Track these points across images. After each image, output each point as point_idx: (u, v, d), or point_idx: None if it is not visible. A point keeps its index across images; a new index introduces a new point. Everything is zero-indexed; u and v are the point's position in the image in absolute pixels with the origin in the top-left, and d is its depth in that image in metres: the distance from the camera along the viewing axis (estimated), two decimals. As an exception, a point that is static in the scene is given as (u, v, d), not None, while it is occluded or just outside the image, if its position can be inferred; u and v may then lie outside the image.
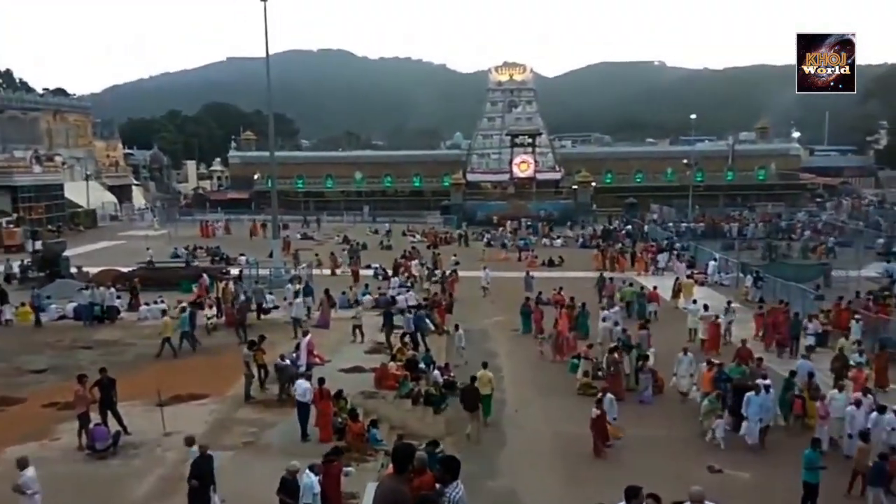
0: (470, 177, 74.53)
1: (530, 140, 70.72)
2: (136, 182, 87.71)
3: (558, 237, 53.09)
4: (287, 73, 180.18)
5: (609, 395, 15.68)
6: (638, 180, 79.62)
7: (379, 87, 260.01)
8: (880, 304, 25.45)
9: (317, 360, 19.57)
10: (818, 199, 79.07)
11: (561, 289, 29.70)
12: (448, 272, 35.98)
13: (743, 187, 78.39)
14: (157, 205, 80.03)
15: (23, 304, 27.27)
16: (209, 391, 17.70)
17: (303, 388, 15.30)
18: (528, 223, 59.62)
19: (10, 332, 25.41)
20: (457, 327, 22.87)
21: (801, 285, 28.60)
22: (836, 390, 15.59)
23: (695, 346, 23.03)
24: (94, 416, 14.76)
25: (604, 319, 23.62)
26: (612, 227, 56.25)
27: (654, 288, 29.17)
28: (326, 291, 27.07)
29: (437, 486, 6.83)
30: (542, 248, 48.41)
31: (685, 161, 67.46)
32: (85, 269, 34.30)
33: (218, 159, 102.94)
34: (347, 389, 16.83)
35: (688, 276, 33.61)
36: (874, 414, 14.22)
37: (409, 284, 33.09)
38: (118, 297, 27.72)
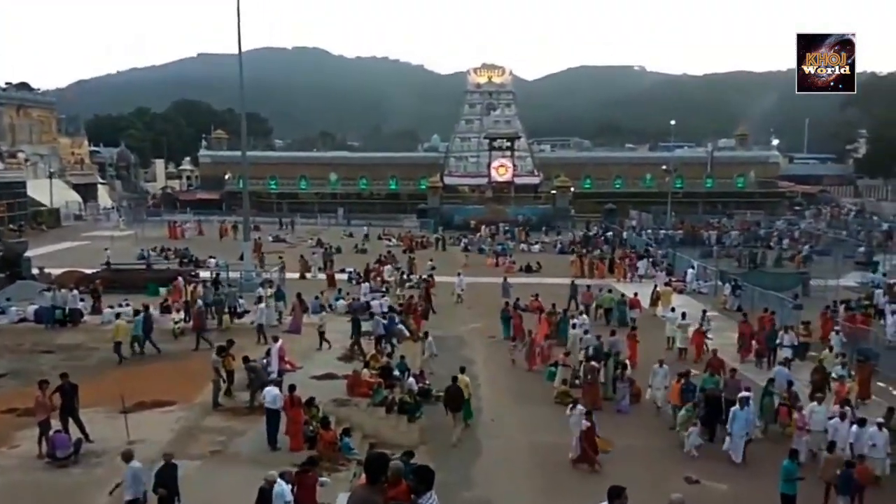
0: (447, 180, 74.63)
1: (509, 143, 70.99)
2: (101, 181, 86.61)
3: (536, 243, 53.33)
4: (260, 71, 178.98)
5: (579, 407, 15.49)
6: (617, 186, 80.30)
7: (355, 87, 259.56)
8: (862, 314, 25.86)
9: (288, 366, 19.46)
10: (797, 208, 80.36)
11: (538, 295, 29.87)
12: (426, 276, 36.04)
13: (722, 194, 79.36)
14: (123, 204, 79.12)
15: (-19, 306, 26.73)
16: (175, 398, 17.49)
17: (272, 394, 15.18)
18: (506, 228, 59.82)
19: (-34, 335, 24.88)
20: (426, 335, 22.94)
21: (779, 294, 29.00)
22: (815, 403, 15.69)
23: (673, 354, 23.32)
24: (55, 423, 14.53)
25: (573, 326, 23.73)
26: (591, 234, 56.64)
27: (635, 294, 29.43)
28: (299, 296, 26.90)
29: (412, 496, 6.80)
30: (519, 253, 48.58)
31: (664, 167, 68.16)
32: (47, 271, 33.75)
33: (188, 158, 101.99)
34: (319, 397, 16.72)
35: (665, 284, 33.94)
36: (854, 427, 14.37)
37: (383, 290, 33.08)
38: (81, 300, 27.30)
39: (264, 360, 18.65)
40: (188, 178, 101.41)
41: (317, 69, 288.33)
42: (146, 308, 23.63)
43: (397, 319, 25.64)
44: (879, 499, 13.32)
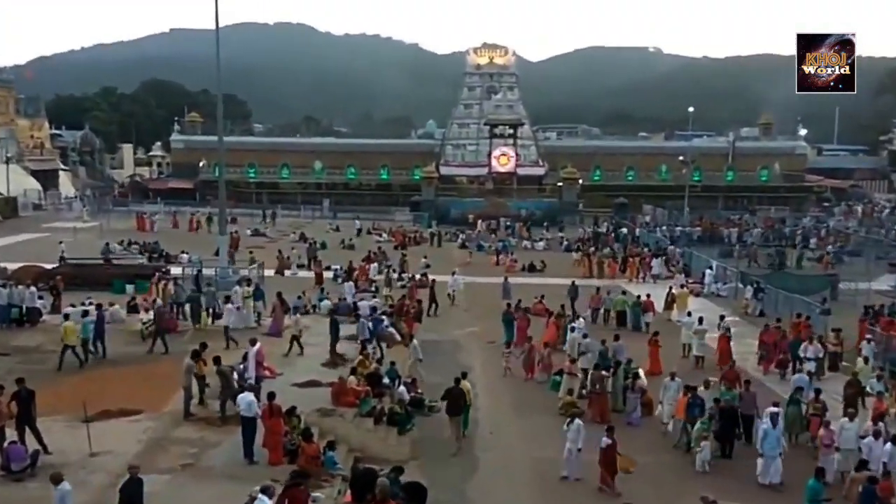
0: (443, 170, 74.60)
1: (511, 130, 70.99)
2: (63, 167, 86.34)
3: (540, 239, 53.38)
4: (239, 49, 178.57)
5: (577, 421, 15.40)
6: (629, 178, 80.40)
7: (343, 68, 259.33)
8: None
9: (267, 372, 19.43)
10: (825, 204, 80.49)
11: (543, 297, 29.88)
12: (419, 276, 36.07)
13: (744, 189, 79.55)
14: (87, 193, 78.85)
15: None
16: (143, 406, 17.44)
17: (247, 400, 15.13)
18: (508, 223, 59.84)
19: (-87, 335, 24.77)
20: (411, 337, 22.97)
21: (805, 298, 29.04)
22: (846, 419, 15.62)
23: (688, 363, 23.36)
24: (10, 433, 14.47)
25: (572, 330, 23.77)
26: (601, 230, 56.72)
27: (648, 296, 29.50)
28: (279, 295, 26.88)
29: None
30: (522, 251, 48.62)
31: (681, 158, 68.26)
32: (3, 265, 33.63)
33: (158, 143, 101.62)
34: (301, 406, 16.71)
35: (681, 286, 34.01)
36: (889, 445, 14.32)
37: (373, 289, 33.11)
38: (40, 298, 27.20)
39: (241, 366, 18.62)
40: (159, 165, 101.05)
41: (301, 47, 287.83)
42: (99, 307, 23.52)
43: (386, 322, 25.66)
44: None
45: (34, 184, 74.04)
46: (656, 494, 14.18)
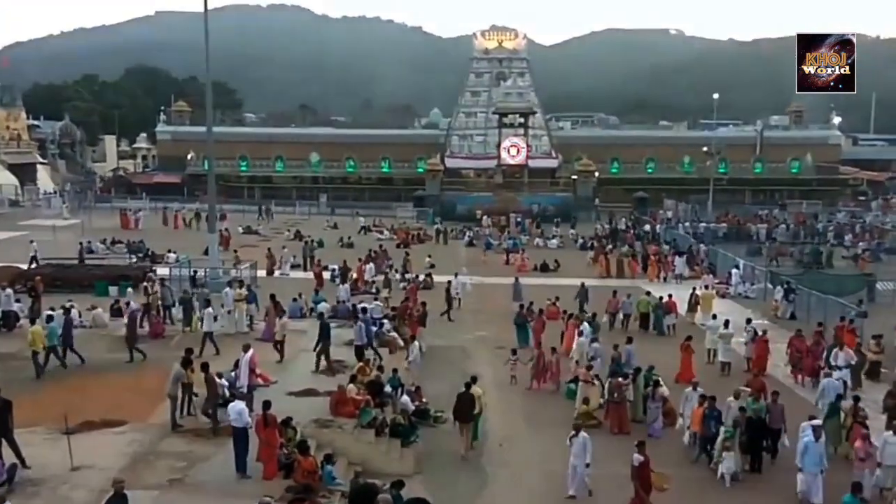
0: (449, 162, 74.69)
1: (522, 120, 71.00)
2: (42, 160, 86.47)
3: (554, 237, 53.36)
4: (229, 33, 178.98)
5: (583, 434, 15.32)
6: (649, 171, 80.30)
7: (341, 53, 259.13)
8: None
9: (260, 380, 19.43)
10: (861, 198, 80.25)
11: (557, 299, 29.85)
12: (423, 276, 36.12)
13: (773, 182, 79.39)
14: (67, 188, 79.08)
15: None
16: (128, 417, 17.46)
17: (237, 409, 15.12)
18: (518, 219, 59.80)
19: None
20: (412, 338, 23.22)
21: (840, 300, 28.97)
22: (890, 432, 15.45)
23: (713, 370, 23.32)
24: (-15, 446, 14.49)
25: (580, 334, 23.76)
26: (620, 227, 56.69)
27: (670, 297, 29.49)
28: (273, 297, 26.91)
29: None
30: (534, 249, 48.61)
31: (705, 149, 68.13)
32: (-24, 266, 33.77)
33: (143, 135, 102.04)
34: (297, 416, 16.68)
35: (705, 287, 33.95)
36: None
37: (373, 291, 33.16)
38: (17, 301, 27.29)
39: (233, 373, 18.63)
40: (144, 157, 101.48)
41: (296, 31, 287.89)
42: (66, 311, 23.56)
43: (388, 326, 25.67)
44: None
45: (10, 178, 74.27)
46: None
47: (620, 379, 19.15)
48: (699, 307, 30.39)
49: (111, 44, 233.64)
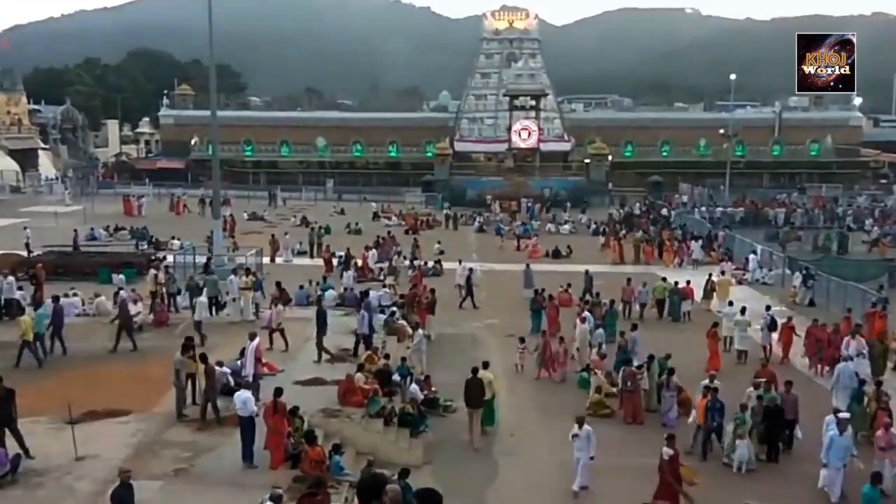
0: (458, 146, 74.47)
1: (533, 102, 70.72)
2: (43, 145, 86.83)
3: (566, 222, 53.26)
4: (234, 14, 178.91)
5: (587, 427, 15.15)
6: (664, 154, 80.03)
7: (348, 34, 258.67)
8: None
9: (266, 369, 19.49)
10: (883, 181, 79.74)
11: (569, 286, 29.81)
12: (432, 263, 36.15)
13: (792, 164, 79.02)
14: (69, 174, 79.34)
15: None
16: (132, 406, 17.55)
17: (242, 398, 15.17)
18: (529, 204, 59.67)
19: None
20: (417, 325, 23.23)
21: (860, 286, 28.85)
22: None
23: (730, 358, 23.25)
24: (-11, 436, 14.60)
25: (583, 321, 23.72)
26: (635, 212, 56.53)
27: (688, 283, 29.43)
28: (278, 285, 26.97)
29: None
30: (545, 235, 48.53)
31: (722, 132, 67.77)
32: (-23, 253, 33.95)
33: (146, 119, 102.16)
34: (304, 406, 16.73)
35: (721, 273, 33.86)
36: None
37: (381, 278, 33.18)
38: (20, 289, 27.42)
39: (238, 362, 18.70)
40: (147, 142, 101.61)
41: (302, 12, 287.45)
42: (56, 299, 23.64)
43: (397, 314, 25.72)
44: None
45: (12, 164, 74.51)
46: (697, 500, 14.14)
47: (633, 367, 19.13)
48: (715, 294, 30.32)
49: (113, 26, 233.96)
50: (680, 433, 17.78)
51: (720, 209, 57.01)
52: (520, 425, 18.40)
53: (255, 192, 66.98)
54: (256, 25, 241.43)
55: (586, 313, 24.49)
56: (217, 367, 17.50)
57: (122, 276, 31.19)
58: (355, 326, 23.39)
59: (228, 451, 15.29)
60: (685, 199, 65.40)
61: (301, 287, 29.11)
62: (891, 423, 15.40)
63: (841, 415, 15.25)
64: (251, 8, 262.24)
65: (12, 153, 77.04)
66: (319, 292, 29.32)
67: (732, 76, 73.30)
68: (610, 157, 70.76)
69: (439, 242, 41.67)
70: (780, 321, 24.00)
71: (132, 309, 25.25)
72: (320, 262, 36.74)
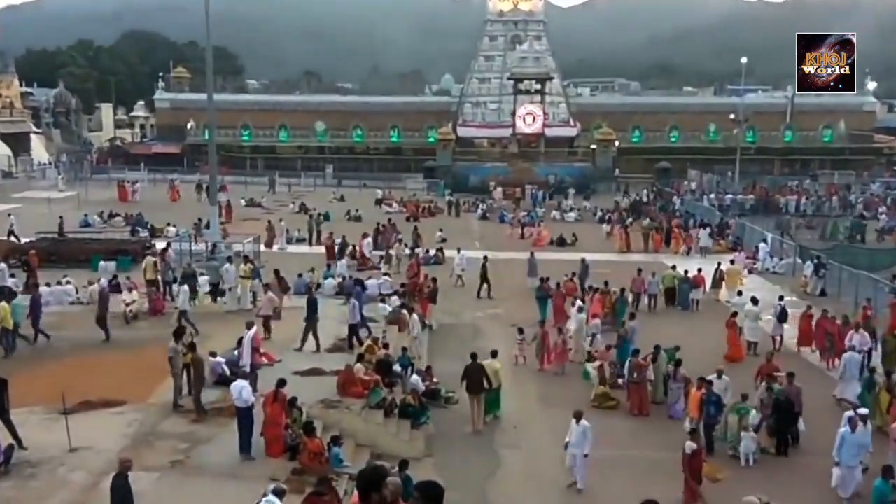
0: (461, 131, 74.31)
1: (538, 86, 70.38)
2: (36, 129, 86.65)
3: (572, 210, 53.22)
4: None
5: (584, 422, 15.07)
6: (673, 140, 79.70)
7: (348, 16, 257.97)
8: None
9: (264, 359, 19.52)
10: (897, 167, 79.56)
11: (574, 274, 29.80)
12: (434, 251, 36.15)
13: (804, 150, 78.64)
14: (62, 159, 79.24)
15: None
16: (127, 396, 17.59)
17: (238, 388, 15.21)
18: (533, 191, 59.59)
19: None
20: (411, 310, 23.27)
21: (873, 276, 28.81)
22: None
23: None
24: (-19, 427, 14.63)
25: (580, 311, 23.73)
26: (642, 199, 56.47)
27: (700, 271, 29.46)
28: (277, 273, 27.00)
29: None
30: (551, 222, 48.48)
31: (732, 117, 67.52)
32: (-31, 240, 34.02)
33: (141, 102, 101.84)
34: (303, 397, 16.76)
35: (731, 262, 33.81)
36: None
37: (380, 266, 33.20)
38: (12, 276, 27.50)
39: (235, 352, 18.72)
40: (142, 126, 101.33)
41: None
42: (35, 287, 23.64)
43: (398, 303, 25.75)
44: None
45: (3, 149, 74.43)
46: (703, 494, 14.19)
47: (639, 359, 19.15)
48: (724, 283, 30.31)
49: (107, 7, 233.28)
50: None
51: (730, 196, 56.85)
52: (522, 417, 18.46)
53: (253, 178, 66.90)
54: (254, 6, 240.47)
55: (579, 302, 24.57)
56: (211, 358, 17.56)
57: (110, 264, 31.12)
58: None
59: (225, 443, 15.33)
60: (694, 185, 65.25)
61: (300, 275, 29.12)
62: None
63: (860, 411, 15.14)
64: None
65: (4, 137, 76.88)
66: (321, 280, 29.43)
67: (743, 60, 72.98)
68: (617, 143, 70.55)
69: (441, 230, 41.64)
70: (793, 311, 24.03)
71: (127, 297, 25.36)
72: (319, 249, 36.72)
